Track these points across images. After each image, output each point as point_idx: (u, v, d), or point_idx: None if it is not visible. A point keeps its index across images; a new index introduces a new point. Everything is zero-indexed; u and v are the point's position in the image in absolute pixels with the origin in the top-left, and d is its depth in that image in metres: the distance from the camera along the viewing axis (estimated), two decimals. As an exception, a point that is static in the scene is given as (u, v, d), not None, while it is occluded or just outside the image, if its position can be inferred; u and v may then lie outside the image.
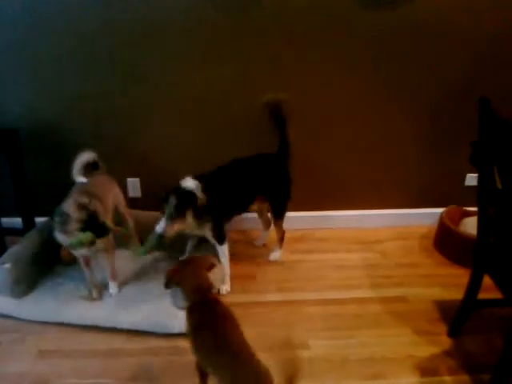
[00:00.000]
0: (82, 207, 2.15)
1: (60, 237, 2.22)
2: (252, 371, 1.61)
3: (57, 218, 2.15)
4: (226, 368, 1.65)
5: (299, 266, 2.86)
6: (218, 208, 2.45)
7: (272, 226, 2.94)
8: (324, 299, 2.57)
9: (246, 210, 2.74)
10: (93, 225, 2.16)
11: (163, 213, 2.27)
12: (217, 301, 1.83)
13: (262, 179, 2.67)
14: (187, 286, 1.84)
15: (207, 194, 2.34)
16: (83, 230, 2.14)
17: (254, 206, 2.78)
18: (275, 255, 2.93)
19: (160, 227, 2.24)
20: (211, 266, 1.93)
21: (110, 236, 2.39)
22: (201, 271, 1.87)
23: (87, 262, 2.44)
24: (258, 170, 2.65)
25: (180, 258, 2.53)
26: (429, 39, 2.77)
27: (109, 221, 2.42)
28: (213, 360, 1.71)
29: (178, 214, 2.26)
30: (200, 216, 2.36)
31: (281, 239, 2.90)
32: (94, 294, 2.46)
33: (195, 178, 2.38)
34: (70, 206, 2.15)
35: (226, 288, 2.60)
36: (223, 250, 2.57)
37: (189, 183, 2.34)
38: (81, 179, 2.52)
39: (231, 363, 1.64)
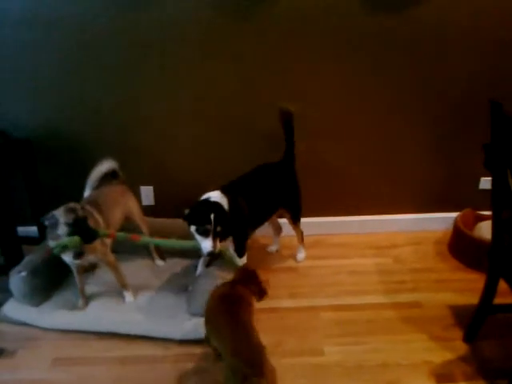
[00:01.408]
0: (70, 211, 2.13)
1: (51, 243, 2.20)
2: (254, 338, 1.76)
3: (47, 222, 2.14)
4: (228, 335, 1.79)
5: (313, 272, 2.85)
6: (242, 225, 2.46)
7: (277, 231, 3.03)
8: (338, 305, 2.56)
9: (266, 221, 2.77)
10: (79, 229, 2.12)
11: (205, 233, 2.17)
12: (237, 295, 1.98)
13: (281, 190, 2.70)
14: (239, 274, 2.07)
15: (231, 211, 2.32)
16: (71, 234, 2.11)
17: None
18: (301, 256, 2.96)
19: (209, 246, 2.17)
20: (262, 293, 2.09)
21: (106, 250, 2.41)
22: (259, 281, 2.07)
23: (80, 270, 2.46)
24: (277, 182, 2.67)
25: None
26: (441, 41, 2.76)
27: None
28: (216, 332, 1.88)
29: (221, 232, 2.21)
30: (226, 234, 2.34)
31: (302, 239, 2.95)
32: (80, 303, 2.46)
33: (222, 191, 2.35)
34: (59, 211, 2.14)
35: None
36: (242, 261, 2.56)
37: (218, 198, 2.29)
38: (87, 193, 2.56)
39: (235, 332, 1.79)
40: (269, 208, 2.68)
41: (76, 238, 2.10)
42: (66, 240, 2.11)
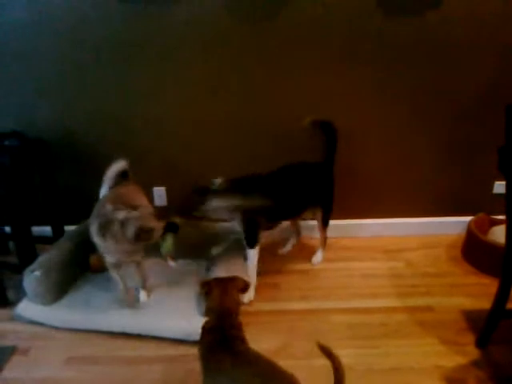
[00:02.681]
0: (154, 217, 2.25)
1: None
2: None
3: (143, 235, 2.17)
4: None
5: (324, 275, 2.85)
6: (252, 209, 2.51)
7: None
8: (349, 308, 2.56)
9: (293, 217, 2.84)
10: (170, 227, 2.35)
11: None
12: (233, 329, 1.78)
13: (314, 189, 2.74)
14: (213, 306, 1.83)
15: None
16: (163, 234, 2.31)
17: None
18: (318, 259, 2.97)
19: None
20: (245, 287, 1.95)
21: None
22: (233, 293, 1.87)
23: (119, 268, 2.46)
24: (309, 179, 2.72)
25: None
26: (455, 46, 2.75)
27: None
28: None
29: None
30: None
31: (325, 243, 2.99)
32: (128, 300, 2.48)
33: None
34: (143, 220, 2.17)
35: (248, 296, 2.58)
36: (251, 255, 2.58)
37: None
38: (104, 191, 2.57)
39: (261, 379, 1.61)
40: (296, 205, 2.72)
41: (171, 236, 2.39)
42: (168, 242, 2.38)
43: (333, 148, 2.76)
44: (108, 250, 2.29)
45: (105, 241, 2.23)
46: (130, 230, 2.13)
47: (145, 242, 2.21)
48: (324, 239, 2.94)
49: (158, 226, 2.22)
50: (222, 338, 1.73)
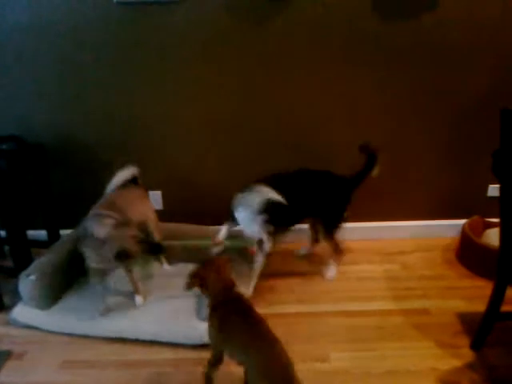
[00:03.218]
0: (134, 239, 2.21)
1: None
2: (283, 356, 1.70)
3: (122, 258, 2.18)
4: (258, 354, 1.71)
5: (320, 278, 2.85)
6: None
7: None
8: (345, 311, 2.56)
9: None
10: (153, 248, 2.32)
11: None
12: (240, 297, 1.91)
13: (320, 200, 2.66)
14: (211, 287, 1.90)
15: None
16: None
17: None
18: (332, 271, 2.87)
19: None
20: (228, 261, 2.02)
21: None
22: (224, 269, 1.94)
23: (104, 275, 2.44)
24: (318, 191, 2.66)
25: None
26: (453, 48, 2.76)
27: None
28: (242, 349, 1.78)
29: None
30: None
31: (335, 253, 2.85)
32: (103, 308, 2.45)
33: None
34: (124, 242, 2.16)
35: (246, 292, 2.57)
36: (260, 259, 2.59)
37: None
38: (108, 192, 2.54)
39: (264, 349, 1.72)
40: (296, 213, 2.65)
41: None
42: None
43: (366, 171, 2.67)
44: (91, 258, 2.27)
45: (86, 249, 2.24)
46: (109, 250, 2.15)
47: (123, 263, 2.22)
48: (335, 248, 2.81)
49: (136, 249, 2.19)
50: (235, 309, 1.85)
